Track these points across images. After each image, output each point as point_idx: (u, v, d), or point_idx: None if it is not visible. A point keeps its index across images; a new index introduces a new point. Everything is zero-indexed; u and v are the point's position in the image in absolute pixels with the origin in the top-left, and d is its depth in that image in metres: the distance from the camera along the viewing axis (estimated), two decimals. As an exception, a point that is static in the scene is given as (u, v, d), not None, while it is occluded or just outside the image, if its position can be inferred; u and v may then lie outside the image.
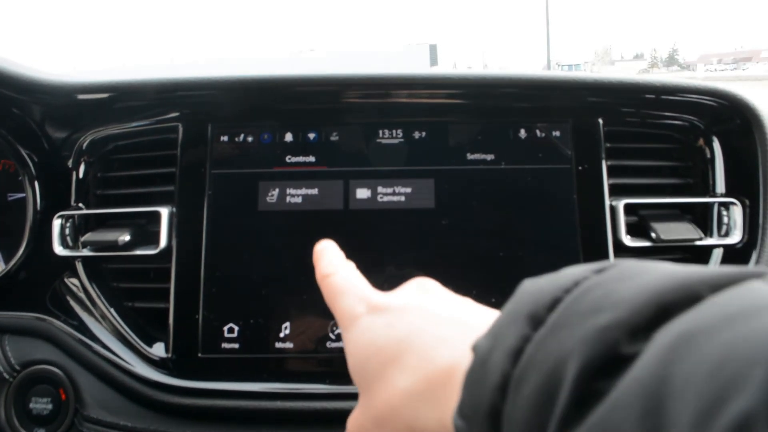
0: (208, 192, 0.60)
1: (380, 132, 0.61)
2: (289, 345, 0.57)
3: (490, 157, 0.60)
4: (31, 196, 0.63)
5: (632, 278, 0.20)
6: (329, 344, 0.57)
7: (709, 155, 0.63)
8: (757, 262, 0.58)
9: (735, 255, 0.60)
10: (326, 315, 0.57)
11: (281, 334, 0.57)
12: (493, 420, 0.20)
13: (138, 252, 0.60)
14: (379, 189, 0.60)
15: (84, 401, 0.56)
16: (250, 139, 0.61)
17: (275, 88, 0.62)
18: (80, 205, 0.64)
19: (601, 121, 0.62)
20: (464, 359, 0.24)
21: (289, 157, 0.61)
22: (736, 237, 0.59)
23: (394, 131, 0.61)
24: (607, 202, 0.59)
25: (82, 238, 0.61)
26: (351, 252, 0.59)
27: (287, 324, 0.57)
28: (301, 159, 0.61)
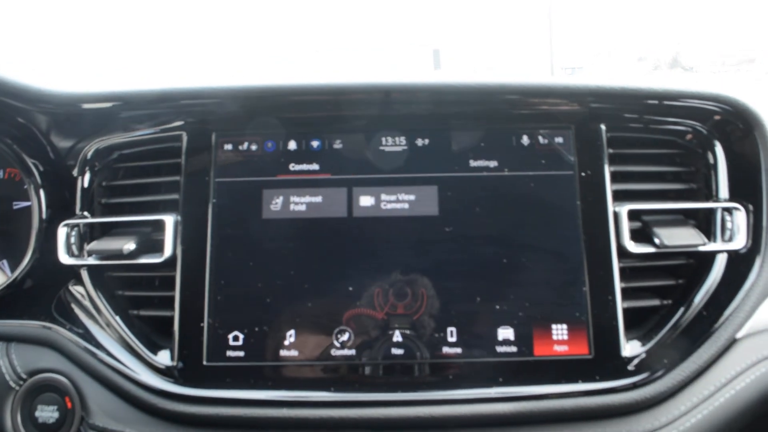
0: (212, 200, 0.60)
1: (383, 139, 0.61)
2: (293, 353, 0.57)
3: (493, 163, 0.60)
4: (36, 204, 0.64)
5: None
6: (334, 352, 0.57)
7: (712, 160, 0.62)
8: (761, 267, 0.58)
9: (739, 260, 0.59)
10: (331, 322, 0.58)
11: (286, 342, 0.57)
12: None
13: (143, 260, 0.60)
14: (383, 196, 0.60)
15: (89, 409, 0.57)
16: (254, 147, 0.62)
17: (278, 96, 0.62)
18: (85, 213, 0.64)
19: (603, 127, 0.62)
20: None
21: (292, 164, 0.61)
22: (740, 242, 0.59)
23: (397, 138, 0.61)
24: (611, 207, 0.59)
25: (87, 247, 0.62)
26: (355, 259, 0.60)
27: (292, 332, 0.57)
28: (304, 167, 0.61)
